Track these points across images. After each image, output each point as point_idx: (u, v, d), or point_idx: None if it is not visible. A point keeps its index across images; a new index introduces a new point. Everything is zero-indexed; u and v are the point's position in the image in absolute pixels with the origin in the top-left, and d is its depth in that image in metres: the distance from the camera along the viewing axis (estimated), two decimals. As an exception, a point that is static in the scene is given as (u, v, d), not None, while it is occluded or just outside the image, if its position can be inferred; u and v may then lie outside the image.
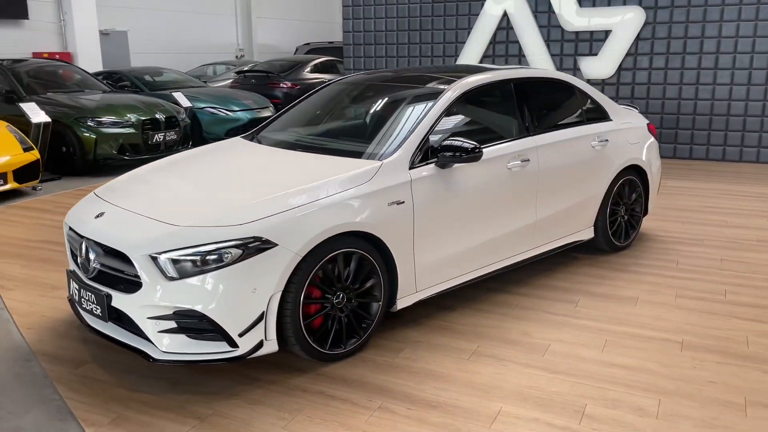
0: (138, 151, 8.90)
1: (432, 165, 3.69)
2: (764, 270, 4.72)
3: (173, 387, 3.09)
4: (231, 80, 14.85)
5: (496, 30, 10.47)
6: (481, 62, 10.61)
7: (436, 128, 3.82)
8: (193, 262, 2.93)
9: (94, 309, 3.22)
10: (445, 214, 3.74)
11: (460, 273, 3.94)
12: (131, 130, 8.80)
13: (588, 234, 4.86)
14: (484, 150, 3.91)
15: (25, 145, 7.52)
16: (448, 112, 3.98)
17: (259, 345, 3.03)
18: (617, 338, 3.62)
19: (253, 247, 2.96)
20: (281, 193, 3.23)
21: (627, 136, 5.06)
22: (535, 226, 4.33)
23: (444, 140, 3.72)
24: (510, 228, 4.16)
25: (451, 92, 4.00)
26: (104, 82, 10.88)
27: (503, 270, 4.24)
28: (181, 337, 2.98)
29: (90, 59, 15.11)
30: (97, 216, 3.35)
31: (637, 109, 5.76)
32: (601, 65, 9.88)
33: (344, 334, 3.35)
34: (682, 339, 3.60)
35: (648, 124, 5.42)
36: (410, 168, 3.60)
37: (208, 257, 2.93)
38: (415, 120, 3.82)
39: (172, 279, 2.94)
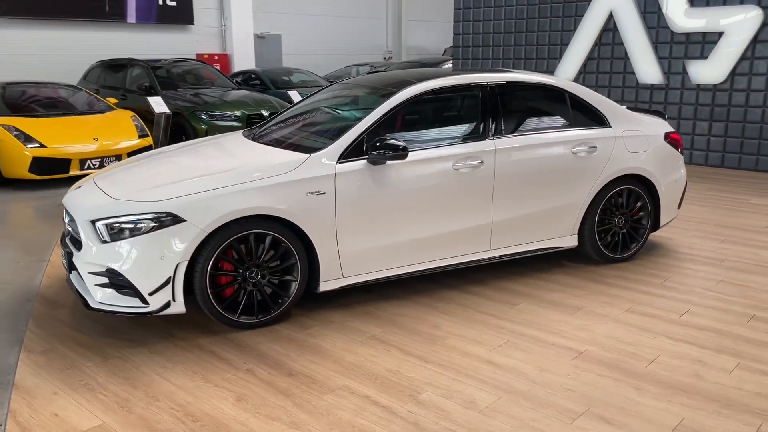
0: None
1: (363, 161, 3.98)
2: (757, 296, 4.32)
3: (105, 332, 3.75)
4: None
5: (602, 31, 10.09)
6: (584, 65, 10.30)
7: (379, 128, 4.09)
8: (119, 229, 3.55)
9: (64, 263, 3.99)
10: (375, 208, 4.01)
11: (398, 265, 4.16)
12: (238, 123, 9.87)
13: (569, 242, 4.78)
14: (428, 151, 4.14)
15: (142, 132, 8.83)
16: (397, 114, 4.23)
17: (167, 305, 3.58)
18: (519, 340, 3.65)
19: (165, 220, 3.52)
20: (207, 176, 3.75)
21: (627, 144, 4.87)
22: (492, 227, 4.40)
23: (379, 139, 3.99)
24: (458, 227, 4.29)
25: (397, 96, 4.24)
26: (236, 80, 12.23)
27: (459, 266, 4.37)
28: (111, 292, 3.62)
29: (244, 60, 16.86)
30: (76, 188, 4.12)
31: (664, 116, 5.46)
32: (711, 69, 9.13)
33: (256, 306, 3.78)
34: (585, 349, 3.54)
35: (669, 134, 5.13)
36: (339, 162, 3.92)
37: (129, 226, 3.54)
38: (355, 120, 4.14)
39: (104, 242, 3.59)
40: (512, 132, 4.52)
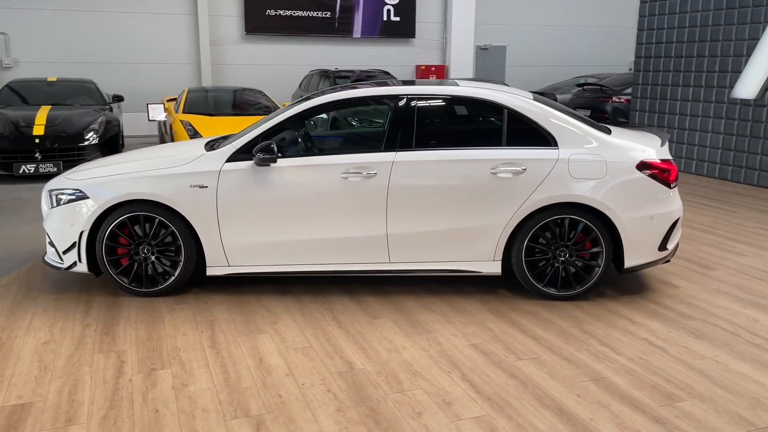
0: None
1: (250, 162, 4.37)
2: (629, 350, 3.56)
3: (59, 276, 4.82)
4: (572, 94, 15.18)
5: (792, 40, 8.34)
6: (768, 80, 8.61)
7: (272, 134, 4.44)
8: (57, 199, 4.56)
9: (54, 224, 5.17)
10: (258, 207, 4.36)
11: (286, 263, 4.44)
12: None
13: (490, 268, 4.44)
14: (315, 158, 4.37)
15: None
16: (299, 121, 4.51)
17: (74, 264, 4.48)
18: (317, 345, 3.69)
19: (76, 196, 4.42)
20: (123, 164, 4.54)
21: (572, 168, 4.32)
22: (388, 240, 4.38)
23: (263, 144, 4.33)
24: (348, 234, 4.38)
25: (298, 107, 4.49)
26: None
27: (360, 273, 4.45)
28: (52, 250, 4.65)
29: (462, 71, 17.47)
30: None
31: (663, 137, 4.63)
32: None
33: (145, 276, 4.46)
34: (362, 367, 3.45)
35: (648, 162, 4.37)
36: (228, 162, 4.38)
37: (61, 197, 4.51)
38: (255, 126, 4.53)
39: (51, 208, 4.63)
40: (423, 146, 4.41)
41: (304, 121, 4.70)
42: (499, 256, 4.42)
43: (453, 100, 4.60)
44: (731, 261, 5.37)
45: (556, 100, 14.84)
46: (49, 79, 11.20)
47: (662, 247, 4.46)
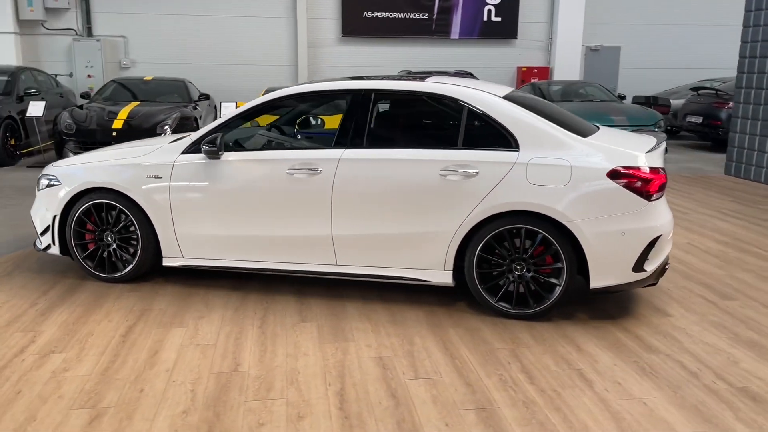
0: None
1: (201, 155, 4.37)
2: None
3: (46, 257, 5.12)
4: (686, 99, 13.96)
5: None
6: None
7: (228, 127, 4.41)
8: (40, 184, 4.83)
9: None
10: (206, 199, 4.35)
11: (236, 258, 4.39)
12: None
13: (441, 278, 4.10)
14: (262, 152, 4.30)
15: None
16: (255, 115, 4.44)
17: (49, 246, 4.72)
18: (221, 343, 3.60)
19: (53, 182, 4.66)
20: (98, 154, 4.72)
21: (530, 173, 3.88)
22: (333, 241, 4.19)
23: (212, 137, 4.31)
24: (294, 233, 4.24)
25: (256, 100, 4.41)
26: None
27: (308, 274, 4.30)
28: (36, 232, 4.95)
29: (567, 73, 16.58)
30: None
31: (659, 140, 4.03)
32: None
33: (107, 262, 4.61)
34: (246, 370, 3.30)
35: (624, 169, 3.81)
36: (183, 153, 4.41)
37: (41, 182, 4.78)
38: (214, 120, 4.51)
39: (37, 191, 4.92)
40: (375, 144, 4.17)
41: (265, 115, 4.61)
42: (450, 265, 4.07)
43: (411, 97, 4.30)
44: (760, 292, 4.57)
45: (669, 105, 13.63)
46: (145, 78, 12.04)
47: (638, 267, 3.87)
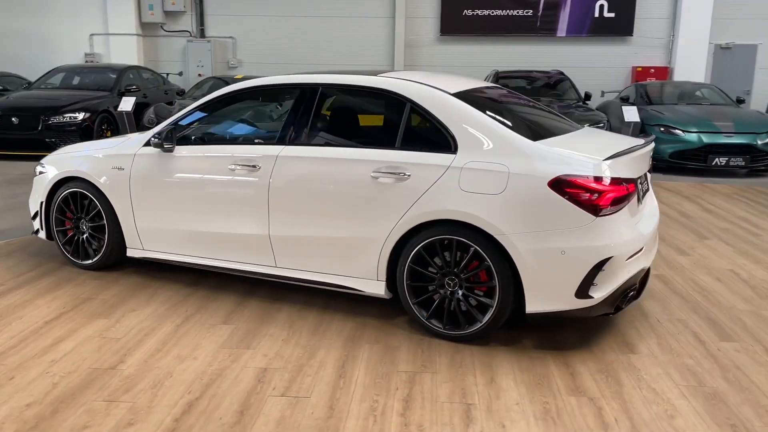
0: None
1: (158, 149, 4.37)
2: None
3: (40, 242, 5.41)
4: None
5: None
6: None
7: (192, 121, 4.37)
8: (35, 171, 5.09)
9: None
10: (160, 192, 4.35)
11: (188, 253, 4.34)
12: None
13: (374, 288, 3.77)
14: (210, 146, 4.24)
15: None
16: (211, 109, 4.36)
17: (38, 231, 4.97)
18: (122, 337, 3.55)
19: (42, 169, 4.89)
20: (87, 144, 4.88)
21: (463, 179, 3.45)
22: (271, 241, 4.01)
23: (169, 131, 4.29)
24: (235, 230, 4.12)
25: (210, 95, 4.32)
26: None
27: (252, 275, 4.16)
28: (38, 216, 5.24)
29: (690, 73, 15.05)
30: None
31: (636, 143, 3.43)
32: None
33: (81, 250, 4.75)
34: (113, 367, 3.22)
35: (568, 179, 3.27)
36: (144, 146, 4.44)
37: (36, 169, 5.04)
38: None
39: (35, 177, 5.18)
40: (313, 141, 3.94)
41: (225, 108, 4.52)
42: (383, 275, 3.73)
43: (355, 91, 4.01)
44: (776, 332, 3.76)
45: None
46: (235, 77, 12.54)
47: (582, 293, 3.31)
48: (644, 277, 3.76)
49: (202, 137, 4.38)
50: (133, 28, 15.57)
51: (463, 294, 3.52)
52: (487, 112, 3.67)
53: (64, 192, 4.71)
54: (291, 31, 15.78)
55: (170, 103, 11.30)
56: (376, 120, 3.98)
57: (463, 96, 3.79)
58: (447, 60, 15.63)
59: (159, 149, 4.32)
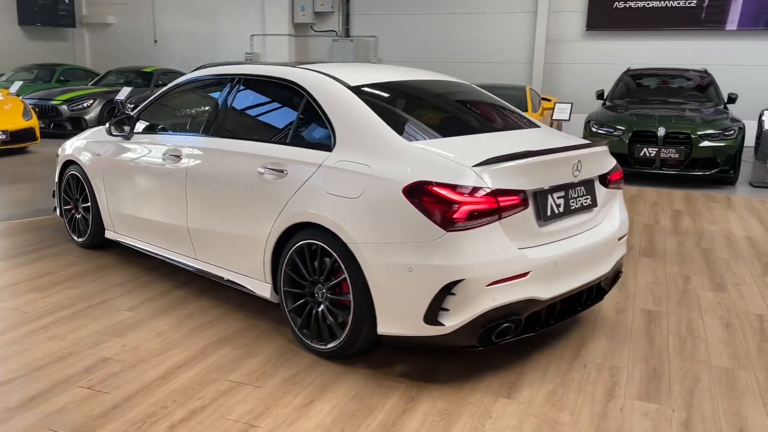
0: (625, 162, 8.64)
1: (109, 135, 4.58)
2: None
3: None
4: None
5: None
6: None
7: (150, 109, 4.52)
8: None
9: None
10: (118, 178, 4.56)
11: (144, 240, 4.47)
12: (618, 141, 8.64)
13: (263, 291, 3.57)
14: (156, 137, 4.36)
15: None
16: (171, 100, 4.45)
17: (55, 209, 5.47)
18: (61, 326, 3.76)
19: (59, 152, 5.37)
20: (93, 130, 5.26)
21: (329, 179, 3.14)
22: (189, 233, 4.00)
23: (127, 117, 4.48)
24: (166, 219, 4.18)
25: (164, 88, 4.40)
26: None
27: (181, 265, 4.16)
28: (69, 196, 5.76)
29: None
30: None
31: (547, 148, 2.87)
32: None
33: (77, 228, 5.13)
34: (40, 356, 3.42)
35: (425, 185, 2.82)
36: (109, 134, 4.67)
37: (58, 151, 5.53)
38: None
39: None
40: (221, 133, 3.87)
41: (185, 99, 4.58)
42: (270, 277, 3.54)
43: (264, 82, 3.83)
44: (723, 405, 2.91)
45: None
46: (144, 69, 12.74)
47: (431, 319, 2.84)
48: (570, 305, 3.21)
49: (152, 126, 4.50)
50: (285, 28, 16.53)
51: (327, 306, 3.21)
52: (384, 108, 3.31)
53: (67, 174, 5.13)
54: (431, 28, 15.65)
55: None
56: (277, 112, 3.77)
57: (365, 89, 3.45)
58: (592, 57, 14.43)
59: (121, 137, 4.52)
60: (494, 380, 3.06)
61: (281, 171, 3.36)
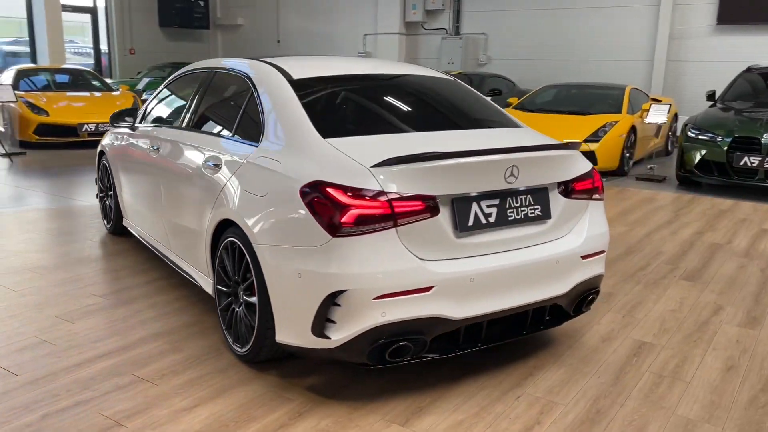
0: (723, 172, 7.66)
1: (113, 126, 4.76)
2: None
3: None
4: None
5: None
6: None
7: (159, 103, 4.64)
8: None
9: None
10: (124, 168, 4.73)
11: (144, 231, 4.60)
12: (716, 148, 7.67)
13: (207, 286, 3.53)
14: (152, 130, 4.48)
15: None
16: (170, 93, 4.53)
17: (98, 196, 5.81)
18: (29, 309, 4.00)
19: (100, 145, 5.71)
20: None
21: (247, 175, 3.03)
22: (165, 225, 4.06)
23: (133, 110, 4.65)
24: (150, 211, 4.27)
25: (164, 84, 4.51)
26: None
27: (163, 257, 4.27)
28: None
29: None
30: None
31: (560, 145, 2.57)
32: None
33: (108, 214, 5.41)
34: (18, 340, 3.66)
35: (319, 185, 2.61)
36: (111, 125, 4.86)
37: (109, 146, 5.89)
38: (153, 97, 4.79)
39: None
40: (190, 124, 3.91)
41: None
42: (212, 273, 3.48)
43: (227, 76, 3.78)
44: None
45: None
46: (456, 72, 12.47)
47: (318, 330, 2.62)
48: (510, 326, 2.89)
49: (151, 119, 4.61)
50: (397, 27, 16.54)
51: (243, 308, 3.08)
52: (316, 103, 3.13)
53: (101, 164, 5.42)
54: (544, 25, 14.91)
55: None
56: (230, 105, 3.68)
57: (308, 82, 3.28)
58: (722, 54, 12.98)
59: (127, 129, 4.70)
60: (404, 403, 2.76)
61: (217, 165, 3.29)
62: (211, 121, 3.76)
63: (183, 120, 3.97)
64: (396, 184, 2.56)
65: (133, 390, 2.85)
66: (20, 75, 11.39)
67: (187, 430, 2.55)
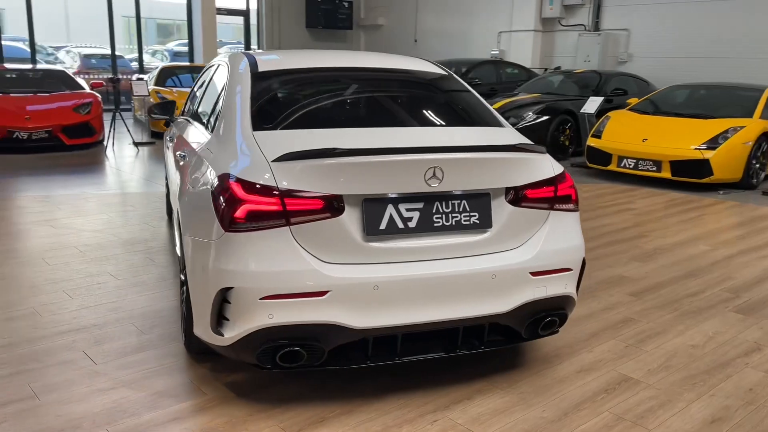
0: None
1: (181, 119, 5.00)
2: None
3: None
4: None
5: None
6: None
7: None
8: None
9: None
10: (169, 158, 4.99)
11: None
12: None
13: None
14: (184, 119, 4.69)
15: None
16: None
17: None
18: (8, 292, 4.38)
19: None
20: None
21: (193, 166, 3.09)
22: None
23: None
24: (174, 201, 4.46)
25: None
26: None
27: None
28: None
29: None
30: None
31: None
32: None
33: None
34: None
35: (226, 179, 2.57)
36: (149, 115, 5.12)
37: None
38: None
39: None
40: (196, 117, 3.99)
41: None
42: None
43: (224, 69, 3.78)
44: None
45: None
46: (576, 71, 11.72)
47: (216, 327, 2.57)
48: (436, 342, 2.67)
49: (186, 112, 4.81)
50: (532, 24, 15.91)
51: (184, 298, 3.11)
52: (265, 95, 3.09)
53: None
54: (696, 18, 13.51)
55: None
56: (214, 97, 3.71)
57: (271, 75, 3.24)
58: None
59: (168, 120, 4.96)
60: (310, 411, 2.63)
61: (184, 156, 3.36)
62: (202, 113, 3.86)
63: (188, 113, 4.10)
64: (294, 180, 2.43)
65: (73, 366, 2.99)
66: (165, 72, 12.50)
67: (88, 410, 2.62)
